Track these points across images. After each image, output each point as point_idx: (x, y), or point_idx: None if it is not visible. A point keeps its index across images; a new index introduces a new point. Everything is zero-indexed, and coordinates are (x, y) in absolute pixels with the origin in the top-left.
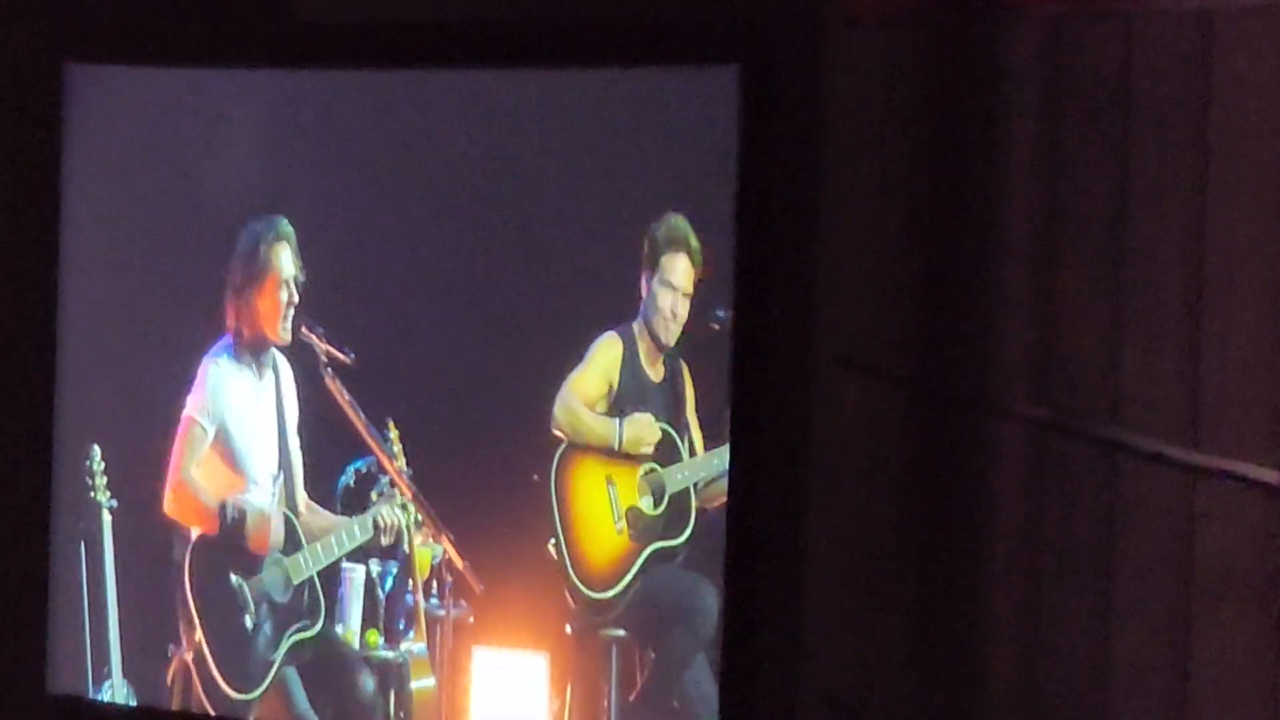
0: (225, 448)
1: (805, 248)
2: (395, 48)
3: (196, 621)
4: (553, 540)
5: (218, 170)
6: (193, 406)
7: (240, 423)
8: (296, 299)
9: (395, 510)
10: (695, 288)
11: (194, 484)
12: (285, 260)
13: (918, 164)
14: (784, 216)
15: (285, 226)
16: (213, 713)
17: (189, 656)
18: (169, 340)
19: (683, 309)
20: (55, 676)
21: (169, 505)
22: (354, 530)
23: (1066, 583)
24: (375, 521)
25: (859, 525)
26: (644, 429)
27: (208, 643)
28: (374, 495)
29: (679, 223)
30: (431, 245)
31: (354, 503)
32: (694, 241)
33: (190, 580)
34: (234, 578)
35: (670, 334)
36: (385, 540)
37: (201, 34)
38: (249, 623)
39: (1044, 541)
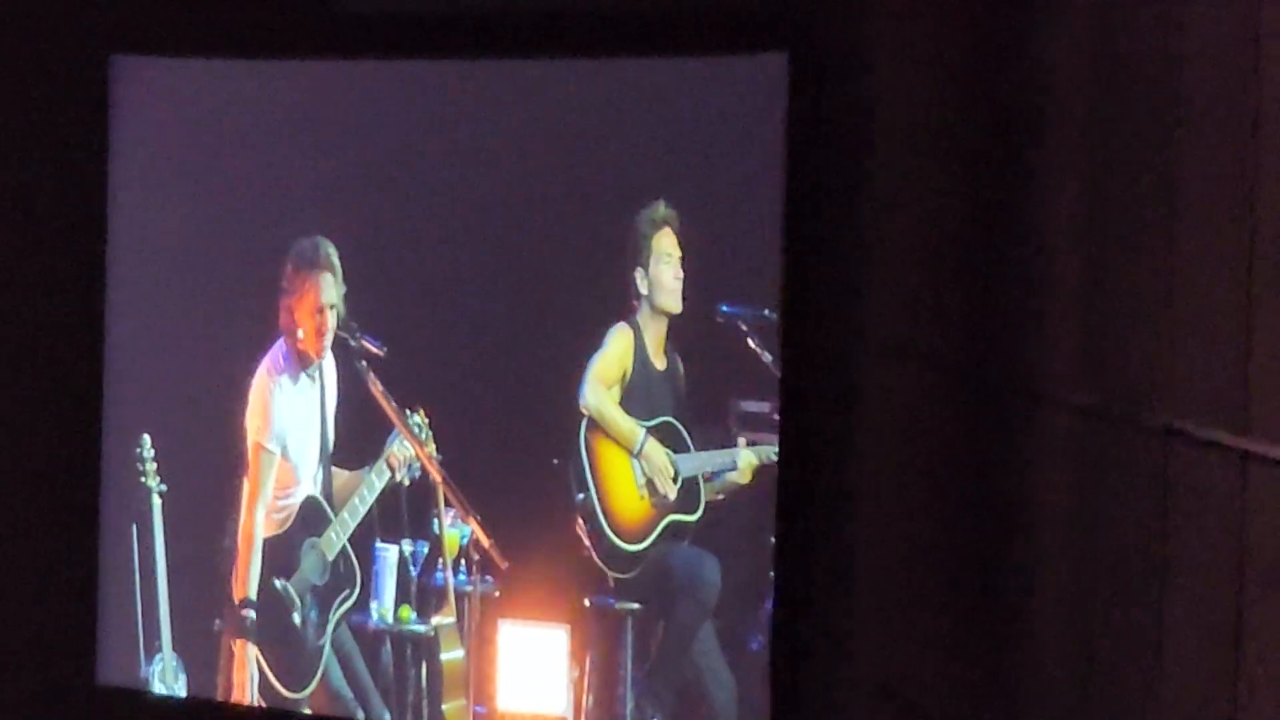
0: (284, 460)
1: (853, 236)
2: (438, 38)
3: (249, 630)
4: (581, 494)
5: (262, 161)
6: (258, 432)
7: (297, 435)
8: (335, 323)
9: (404, 446)
10: (687, 270)
11: (255, 516)
12: (328, 285)
13: (965, 151)
14: (832, 205)
15: (327, 248)
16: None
17: (240, 652)
18: (218, 334)
19: (679, 272)
20: (105, 655)
21: (244, 521)
22: (372, 480)
23: (1117, 571)
24: (388, 462)
25: (908, 515)
26: (660, 458)
27: (261, 653)
28: (385, 448)
29: (660, 208)
30: (461, 240)
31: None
32: (671, 216)
33: (238, 591)
34: (278, 583)
35: (677, 301)
36: (400, 477)
37: (246, 26)
38: (298, 619)
39: (1095, 530)
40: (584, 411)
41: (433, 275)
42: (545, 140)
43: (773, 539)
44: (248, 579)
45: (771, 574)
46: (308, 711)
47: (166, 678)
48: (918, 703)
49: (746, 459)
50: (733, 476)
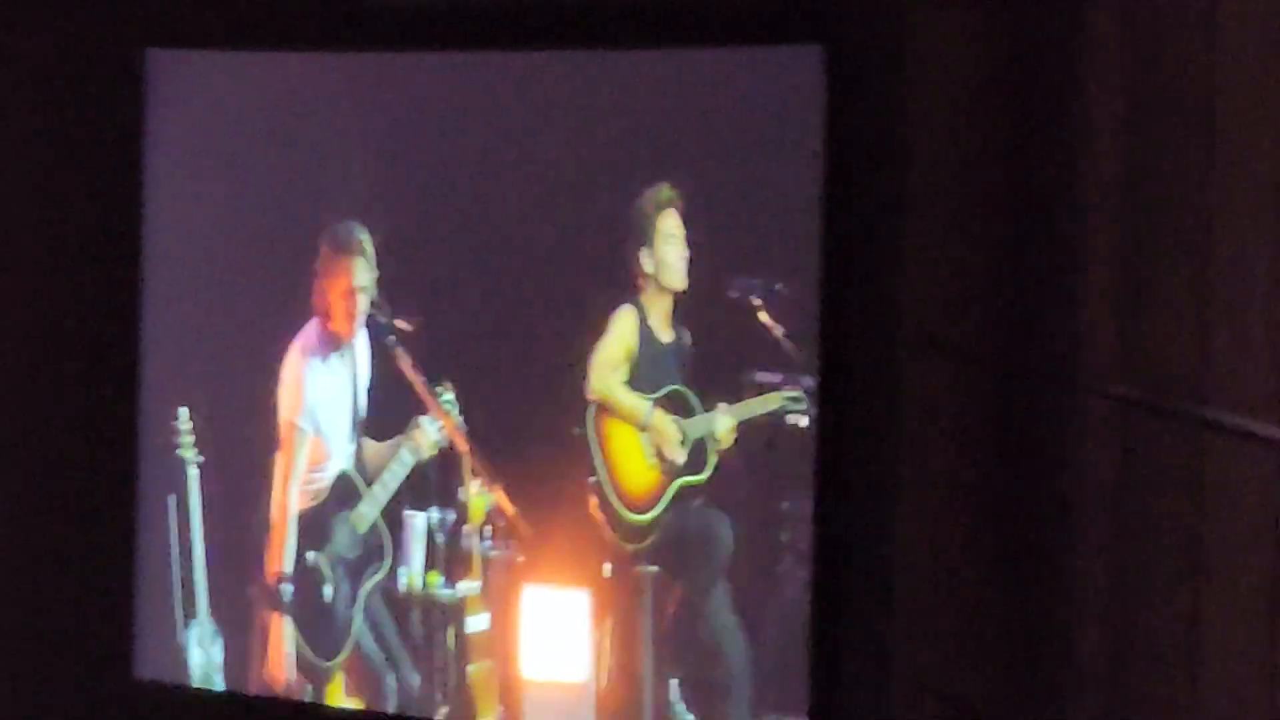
0: (317, 436)
1: (891, 228)
2: (469, 29)
3: (281, 601)
4: (593, 476)
5: (294, 150)
6: (291, 411)
7: (329, 413)
8: (366, 304)
9: (431, 425)
10: (701, 254)
11: (289, 491)
12: (360, 268)
13: (1002, 143)
14: (867, 197)
15: (360, 233)
16: (302, 680)
17: (276, 624)
18: (252, 312)
19: (684, 250)
20: (143, 622)
21: (278, 497)
22: (404, 457)
23: (1155, 561)
24: (416, 440)
25: (946, 507)
26: (668, 428)
27: (295, 624)
28: (410, 423)
29: (665, 189)
30: (484, 225)
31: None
32: (675, 196)
33: (270, 565)
34: (310, 555)
35: (682, 278)
36: (428, 453)
37: (278, 18)
38: (329, 591)
39: (1133, 520)
40: (591, 398)
41: (458, 258)
42: (571, 130)
43: (812, 533)
44: (282, 552)
45: (810, 565)
46: (334, 702)
47: (204, 642)
48: (956, 695)
49: (772, 399)
50: (757, 412)
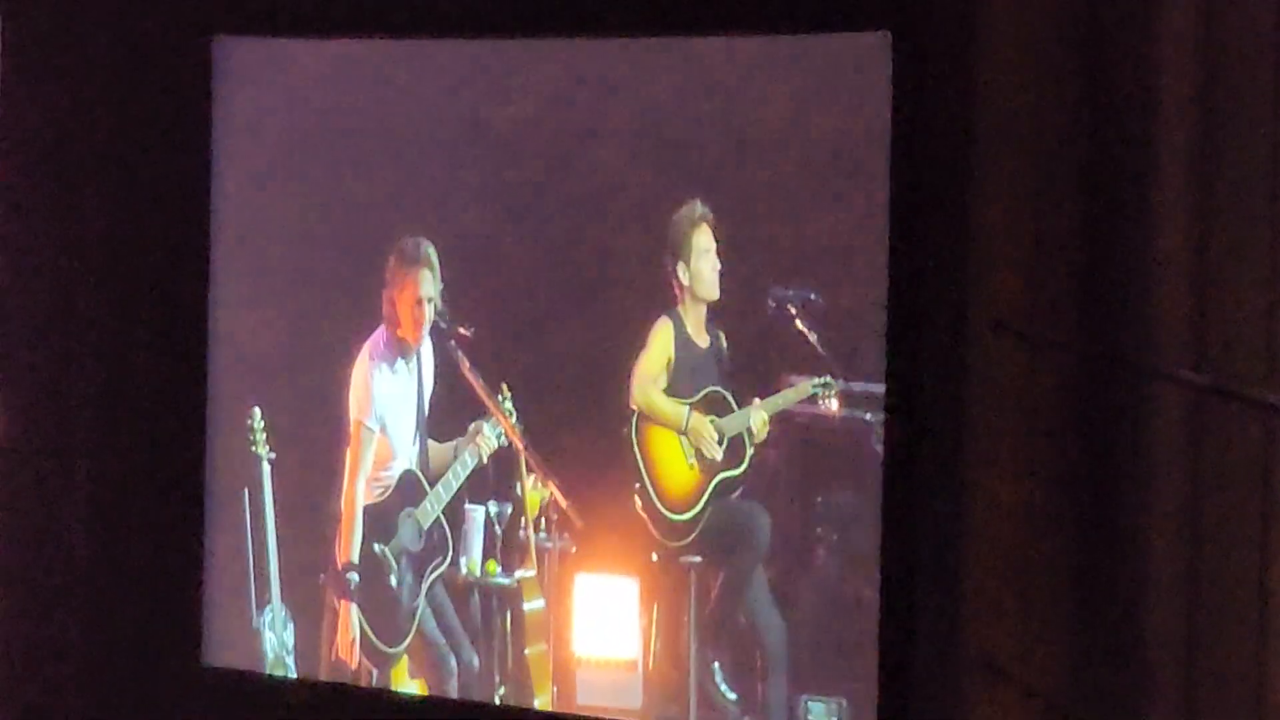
0: (383, 436)
1: (959, 213)
2: (539, 15)
3: (349, 592)
4: (637, 484)
5: (366, 145)
6: (360, 411)
7: (395, 415)
8: (433, 314)
9: (492, 429)
10: (726, 261)
11: (357, 489)
12: (426, 280)
13: (1072, 127)
14: (937, 182)
15: (427, 247)
16: (369, 664)
17: (342, 621)
18: (321, 314)
19: (717, 264)
20: (216, 606)
21: (347, 491)
22: (465, 459)
23: (1225, 544)
24: (477, 443)
25: (1016, 490)
26: (705, 429)
27: (362, 612)
28: (472, 426)
29: (696, 206)
30: (541, 240)
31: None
32: (707, 214)
33: (341, 559)
34: (377, 547)
35: (715, 289)
36: (488, 455)
37: (349, 4)
38: (394, 581)
39: (1203, 504)
40: (633, 408)
41: (515, 271)
42: (635, 122)
43: (880, 519)
44: (350, 543)
45: (879, 553)
46: (399, 682)
47: (276, 626)
48: (1024, 678)
49: (803, 387)
50: (787, 398)
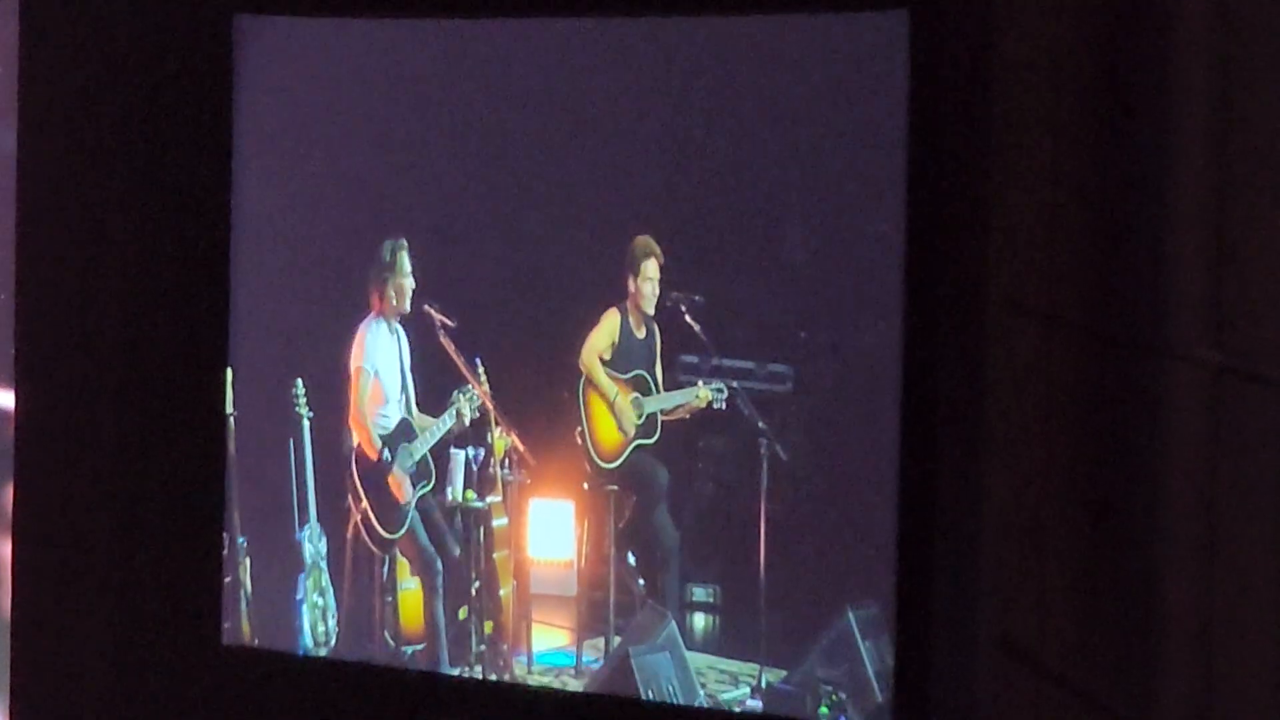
0: (377, 381)
1: (977, 192)
2: None
3: (361, 494)
4: (579, 429)
5: (383, 124)
6: (357, 359)
7: (385, 365)
8: (413, 288)
9: (466, 403)
10: (662, 274)
11: (364, 412)
12: (405, 264)
13: (1089, 106)
14: (954, 161)
15: (403, 244)
16: (375, 549)
17: (358, 517)
18: (338, 290)
19: (656, 290)
20: (257, 522)
21: (353, 421)
22: (445, 420)
23: (1244, 526)
24: (458, 412)
25: (1034, 471)
26: (628, 409)
27: (370, 505)
28: (452, 397)
29: (646, 240)
30: (515, 241)
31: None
32: (656, 249)
33: (357, 469)
34: (385, 454)
35: (651, 305)
36: (468, 419)
37: None
38: (390, 484)
39: (1221, 486)
40: (581, 369)
41: (490, 266)
42: (660, 99)
43: (897, 497)
44: (371, 446)
45: (895, 532)
46: (403, 577)
47: (313, 539)
48: (1042, 657)
49: (703, 394)
50: (693, 403)
